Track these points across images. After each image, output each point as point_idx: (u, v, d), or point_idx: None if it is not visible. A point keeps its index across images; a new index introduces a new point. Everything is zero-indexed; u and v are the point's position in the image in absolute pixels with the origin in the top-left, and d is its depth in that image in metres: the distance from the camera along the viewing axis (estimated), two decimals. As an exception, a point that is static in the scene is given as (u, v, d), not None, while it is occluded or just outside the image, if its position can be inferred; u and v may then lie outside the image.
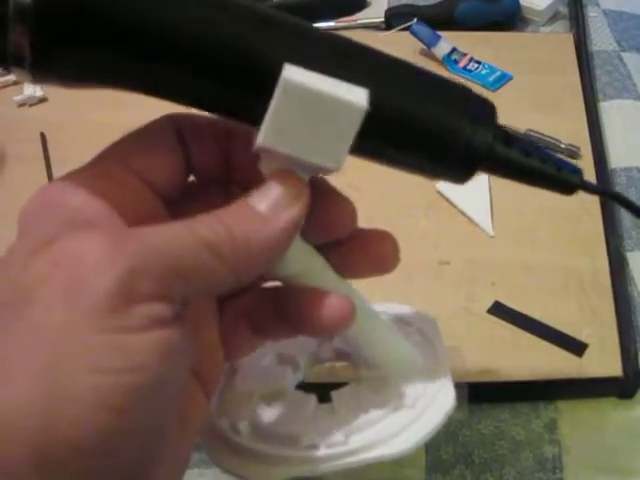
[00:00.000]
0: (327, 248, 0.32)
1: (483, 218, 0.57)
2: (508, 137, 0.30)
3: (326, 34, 0.28)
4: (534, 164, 0.31)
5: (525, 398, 0.49)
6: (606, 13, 0.79)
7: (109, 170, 0.28)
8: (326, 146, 0.27)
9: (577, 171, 0.32)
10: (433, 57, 0.72)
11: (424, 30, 0.72)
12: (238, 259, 0.26)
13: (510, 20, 0.77)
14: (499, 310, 0.52)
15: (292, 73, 0.26)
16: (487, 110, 0.31)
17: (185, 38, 0.25)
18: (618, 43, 0.75)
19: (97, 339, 0.23)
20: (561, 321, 0.51)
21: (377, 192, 0.59)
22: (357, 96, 0.26)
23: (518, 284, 0.54)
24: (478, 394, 0.47)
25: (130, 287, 0.23)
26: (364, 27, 0.80)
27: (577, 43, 0.74)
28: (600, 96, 0.69)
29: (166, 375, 0.24)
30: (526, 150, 0.31)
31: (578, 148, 0.62)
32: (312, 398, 0.34)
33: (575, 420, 0.48)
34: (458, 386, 0.47)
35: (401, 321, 0.37)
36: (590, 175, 0.61)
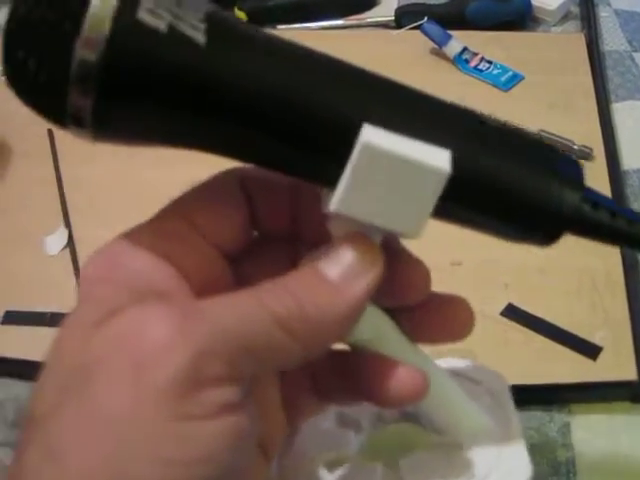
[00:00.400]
0: (399, 312, 0.30)
1: (495, 219, 0.57)
2: (596, 199, 0.28)
3: (403, 87, 0.26)
4: (621, 226, 0.28)
5: (538, 402, 0.48)
6: (618, 13, 0.78)
7: (173, 228, 0.26)
8: (404, 212, 0.25)
9: None
10: (444, 56, 0.72)
11: (435, 29, 0.71)
12: (310, 335, 0.24)
13: (521, 20, 0.77)
14: (512, 313, 0.51)
15: (371, 135, 0.24)
16: (575, 171, 0.28)
17: (261, 100, 0.24)
18: (630, 43, 0.75)
19: (164, 427, 0.21)
20: (574, 323, 0.51)
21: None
22: (440, 160, 0.24)
23: (531, 286, 0.53)
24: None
25: (199, 371, 0.22)
26: (373, 26, 0.79)
27: (589, 43, 0.73)
28: (612, 97, 0.69)
29: (237, 463, 0.23)
30: (613, 211, 0.28)
31: (591, 149, 0.62)
32: (377, 467, 0.32)
33: (589, 424, 0.48)
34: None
35: (469, 380, 0.34)
36: (602, 177, 0.60)
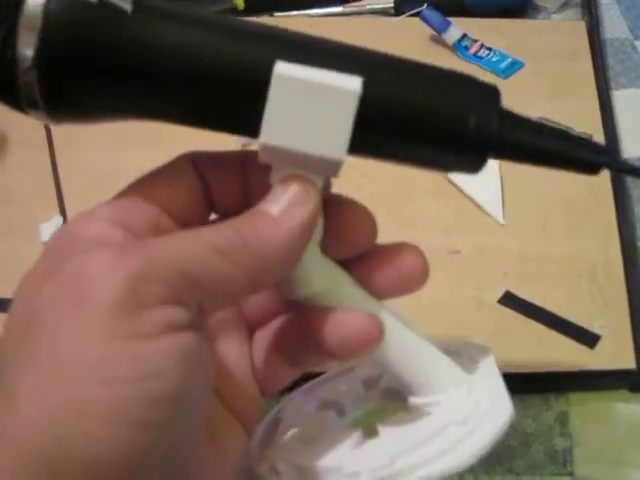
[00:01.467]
0: (351, 266, 0.31)
1: (494, 206, 0.57)
2: (516, 119, 0.29)
3: (313, 36, 0.28)
4: (549, 143, 0.29)
5: (536, 390, 0.48)
6: (619, 0, 0.78)
7: (128, 202, 0.28)
8: (326, 136, 0.27)
9: (602, 149, 0.30)
10: (443, 43, 0.71)
11: (434, 16, 0.71)
12: (252, 262, 0.26)
13: (521, 7, 0.76)
14: (510, 300, 0.51)
15: (284, 68, 0.26)
16: (491, 94, 0.29)
17: (181, 61, 0.26)
18: (631, 31, 0.74)
19: (108, 348, 0.22)
20: (573, 312, 0.50)
21: (387, 179, 0.58)
22: (350, 82, 0.26)
23: (529, 274, 0.53)
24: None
25: (137, 291, 0.23)
26: (372, 13, 0.79)
27: (589, 30, 0.72)
28: (613, 85, 0.68)
29: (185, 383, 0.23)
30: (538, 128, 0.29)
31: (590, 136, 0.61)
32: (356, 432, 0.33)
33: (586, 413, 0.48)
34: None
35: (449, 352, 0.34)
36: (603, 164, 0.60)
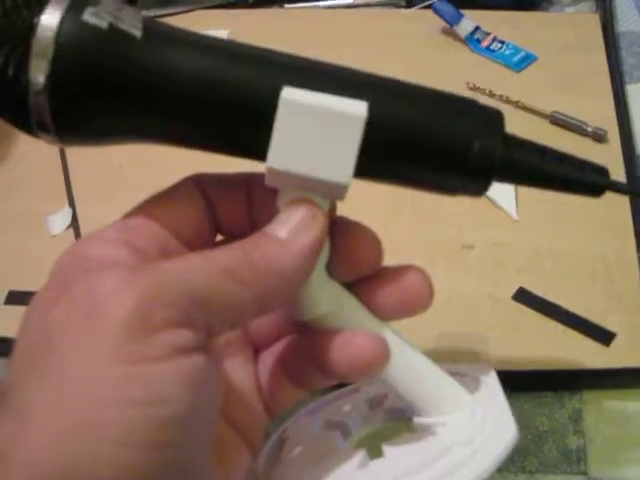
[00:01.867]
0: (357, 289, 0.31)
1: (507, 202, 0.56)
2: (520, 142, 0.30)
3: (319, 62, 0.29)
4: (552, 166, 0.30)
5: (550, 388, 0.48)
6: (632, -6, 0.77)
7: (135, 223, 0.28)
8: (333, 160, 0.27)
9: (603, 171, 0.31)
10: (455, 36, 0.70)
11: (447, 8, 0.70)
12: (260, 283, 0.26)
13: (534, 0, 0.75)
14: (524, 297, 0.51)
15: (291, 93, 0.26)
16: (494, 118, 0.30)
17: (190, 86, 0.27)
18: (645, 24, 0.73)
19: (118, 371, 0.22)
20: (587, 309, 0.50)
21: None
22: (356, 107, 0.27)
23: (543, 270, 0.52)
24: (501, 382, 0.46)
25: (147, 315, 0.23)
26: (383, 5, 0.78)
27: (603, 24, 0.72)
28: (627, 78, 0.67)
29: (194, 406, 0.24)
30: (541, 151, 0.30)
31: (605, 131, 0.60)
32: (362, 452, 0.33)
33: (600, 411, 0.47)
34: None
35: (453, 373, 0.34)
36: (617, 159, 0.59)
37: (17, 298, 0.55)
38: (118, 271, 0.24)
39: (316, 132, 0.27)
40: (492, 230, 0.55)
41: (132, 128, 0.27)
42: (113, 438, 0.22)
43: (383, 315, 0.31)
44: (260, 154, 0.27)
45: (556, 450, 0.46)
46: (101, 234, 0.28)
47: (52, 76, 0.25)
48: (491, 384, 0.35)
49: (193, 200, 0.30)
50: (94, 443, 0.22)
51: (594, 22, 0.72)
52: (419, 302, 0.31)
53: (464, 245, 0.54)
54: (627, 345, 0.48)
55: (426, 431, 0.33)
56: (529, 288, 0.51)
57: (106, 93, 0.26)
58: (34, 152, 0.65)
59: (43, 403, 0.22)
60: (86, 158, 0.63)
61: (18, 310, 0.53)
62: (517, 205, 0.56)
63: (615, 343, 0.48)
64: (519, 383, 0.47)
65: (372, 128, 0.27)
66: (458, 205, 0.57)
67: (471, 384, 0.35)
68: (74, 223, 0.60)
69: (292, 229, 0.27)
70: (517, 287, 0.51)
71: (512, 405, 0.47)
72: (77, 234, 0.59)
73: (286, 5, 0.78)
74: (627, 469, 0.45)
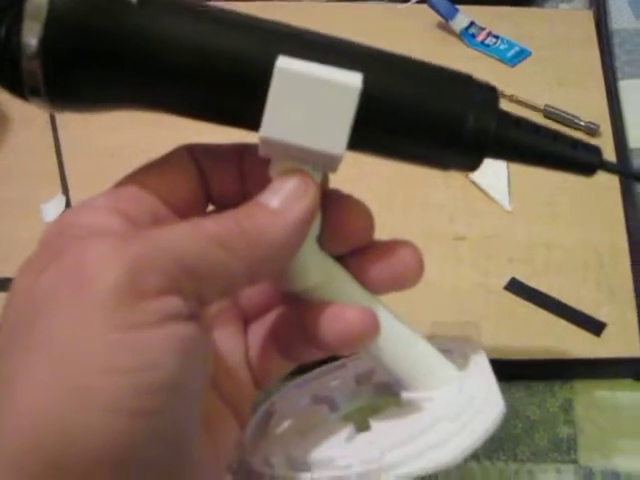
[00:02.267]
0: (348, 262, 0.31)
1: (500, 193, 0.56)
2: (514, 119, 0.30)
3: (316, 32, 0.29)
4: (545, 143, 0.30)
5: (541, 377, 0.48)
6: (626, -9, 0.77)
7: (127, 192, 0.28)
8: (326, 131, 0.27)
9: (595, 150, 0.31)
10: (450, 31, 0.71)
11: (442, 3, 0.70)
12: (251, 252, 0.26)
13: (529, -5, 0.76)
14: (516, 287, 0.51)
15: (286, 62, 0.26)
16: (489, 94, 0.30)
17: (185, 54, 0.26)
18: (638, 21, 0.74)
19: (107, 338, 0.22)
20: (579, 299, 0.50)
21: (393, 165, 0.57)
22: (351, 78, 0.27)
23: (535, 261, 0.53)
24: (494, 372, 0.46)
25: (136, 282, 0.23)
26: (379, -1, 0.78)
27: (597, 20, 0.72)
28: (619, 75, 0.68)
29: (183, 374, 0.24)
30: (535, 129, 0.30)
31: (597, 126, 0.61)
32: (349, 425, 0.33)
33: (591, 401, 0.47)
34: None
35: (442, 349, 0.35)
36: (610, 154, 0.59)
37: (9, 285, 0.55)
38: (108, 238, 0.24)
39: (310, 102, 0.26)
40: (484, 221, 0.55)
41: (125, 94, 0.27)
42: (102, 404, 0.22)
43: (373, 288, 0.31)
44: (253, 123, 0.27)
45: (547, 439, 0.46)
46: (91, 202, 0.27)
47: (45, 39, 0.25)
48: (479, 361, 0.35)
49: (185, 169, 0.30)
50: (83, 410, 0.21)
51: (588, 18, 0.72)
52: (409, 276, 0.31)
53: (456, 236, 0.54)
54: (618, 335, 0.48)
55: (413, 405, 0.33)
56: (521, 278, 0.51)
57: (99, 58, 0.26)
58: (28, 140, 0.65)
59: (31, 371, 0.22)
60: (80, 146, 0.63)
61: (10, 296, 0.53)
62: (510, 196, 0.56)
63: (606, 333, 0.48)
64: (511, 372, 0.48)
65: (366, 99, 0.27)
66: (450, 196, 0.57)
67: (459, 360, 0.35)
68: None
69: (284, 199, 0.27)
70: (509, 277, 0.51)
71: (503, 394, 0.47)
72: (70, 222, 0.58)
73: (281, -1, 0.78)
74: (617, 458, 0.45)
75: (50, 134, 0.65)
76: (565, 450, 0.45)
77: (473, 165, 0.30)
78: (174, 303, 0.24)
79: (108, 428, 0.22)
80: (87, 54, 0.25)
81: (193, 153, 0.30)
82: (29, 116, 0.66)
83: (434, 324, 0.48)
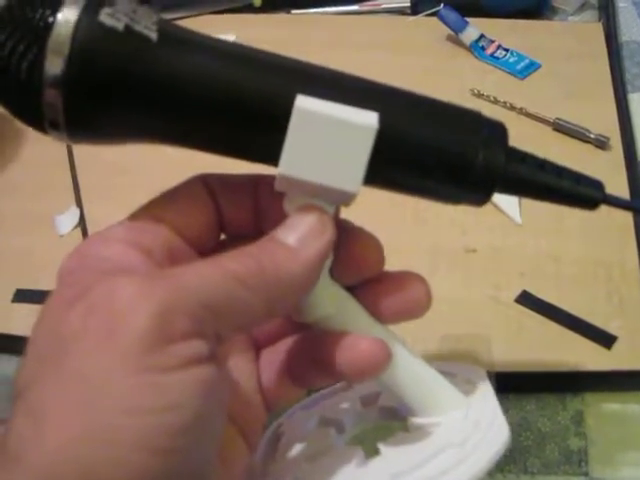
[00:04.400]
0: (358, 292, 0.32)
1: (511, 206, 0.56)
2: (521, 155, 0.30)
3: (332, 70, 0.29)
4: (550, 179, 0.31)
5: (552, 389, 0.48)
6: (635, 4, 0.77)
7: (143, 224, 0.29)
8: (343, 169, 0.27)
9: (598, 185, 0.32)
10: (460, 43, 0.71)
11: (452, 15, 0.71)
12: (269, 290, 0.26)
13: (538, 9, 0.76)
14: (527, 300, 0.51)
15: (305, 102, 0.27)
16: (498, 131, 0.30)
17: (205, 91, 0.27)
18: (648, 34, 0.74)
19: (134, 380, 0.23)
20: (589, 312, 0.50)
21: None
22: (368, 118, 0.27)
23: (546, 274, 0.53)
24: (504, 384, 0.46)
25: (164, 326, 0.23)
26: (389, 12, 0.79)
27: (606, 33, 0.72)
28: (629, 87, 0.68)
29: (205, 413, 0.24)
30: (541, 165, 0.31)
31: (607, 138, 0.61)
32: (358, 450, 0.33)
33: (602, 413, 0.47)
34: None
35: (445, 374, 0.35)
36: (619, 166, 0.60)
37: (24, 296, 0.56)
38: (134, 278, 0.24)
39: (328, 140, 0.27)
40: (495, 234, 0.56)
41: (143, 129, 0.28)
42: (128, 442, 0.22)
43: (382, 318, 0.32)
44: (269, 159, 0.28)
45: (558, 451, 0.46)
46: (109, 234, 0.28)
47: (67, 74, 0.25)
48: (483, 386, 0.35)
49: (200, 201, 0.30)
50: (110, 447, 0.22)
51: (597, 31, 0.73)
52: (418, 308, 0.32)
53: (467, 249, 0.55)
54: (628, 348, 0.48)
55: (421, 431, 0.33)
56: (532, 291, 0.52)
57: (119, 94, 0.26)
58: (42, 153, 0.66)
59: (60, 406, 0.23)
60: (93, 160, 0.64)
61: (25, 308, 0.54)
62: (520, 209, 0.57)
63: (616, 346, 0.49)
64: (522, 385, 0.48)
65: (381, 138, 0.27)
66: (462, 210, 0.57)
67: (463, 385, 0.35)
68: (81, 223, 0.60)
69: (301, 236, 0.28)
70: (520, 290, 0.52)
71: (514, 406, 0.48)
72: (84, 234, 0.59)
73: (292, 11, 0.79)
74: (628, 471, 0.45)
75: (63, 148, 0.65)
76: (576, 462, 0.45)
77: (483, 200, 0.31)
78: (198, 346, 0.24)
79: (132, 465, 0.22)
80: (107, 90, 0.26)
81: (207, 183, 0.31)
82: (43, 129, 0.66)
83: (445, 337, 0.49)
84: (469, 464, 0.31)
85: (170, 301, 0.24)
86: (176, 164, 0.56)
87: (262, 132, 0.28)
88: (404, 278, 0.32)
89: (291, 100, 0.27)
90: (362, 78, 0.30)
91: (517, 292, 0.52)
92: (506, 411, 0.47)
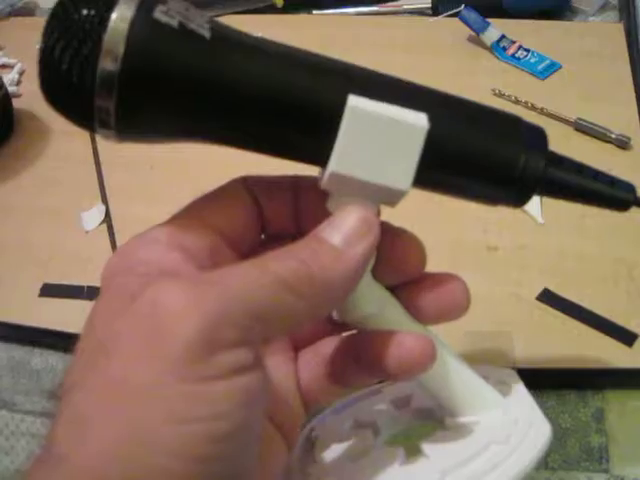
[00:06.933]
0: (398, 292, 0.32)
1: (532, 205, 0.57)
2: (559, 159, 0.31)
3: (377, 72, 0.29)
4: (587, 182, 0.32)
5: (573, 386, 0.49)
6: (656, 4, 0.78)
7: (185, 225, 0.28)
8: (394, 168, 0.28)
9: (631, 188, 0.33)
10: (481, 44, 0.71)
11: (473, 16, 0.71)
12: (315, 295, 0.26)
13: (559, 9, 0.76)
14: (548, 297, 0.51)
15: (357, 101, 0.27)
16: (539, 136, 0.31)
17: (260, 93, 0.27)
18: (668, 34, 0.74)
19: (179, 389, 0.23)
20: (610, 310, 0.51)
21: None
22: (418, 118, 0.28)
23: (567, 272, 0.53)
24: (525, 380, 0.47)
25: (212, 336, 0.23)
26: (410, 12, 0.79)
27: (627, 33, 0.72)
28: (650, 88, 0.68)
29: (248, 421, 0.24)
30: (578, 168, 0.32)
31: (629, 138, 0.61)
32: (400, 450, 0.33)
33: (623, 410, 0.48)
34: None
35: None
36: (640, 166, 0.60)
37: (50, 290, 0.57)
38: (179, 285, 0.24)
39: (379, 140, 0.27)
40: (517, 232, 0.56)
41: (193, 129, 0.27)
42: (170, 450, 0.22)
43: (422, 319, 0.32)
44: (316, 159, 0.28)
45: (579, 448, 0.46)
46: (151, 235, 0.28)
47: (122, 72, 0.24)
48: (517, 386, 0.36)
49: (242, 202, 0.30)
50: (150, 454, 0.22)
51: (618, 31, 0.73)
52: (457, 310, 0.32)
53: (489, 247, 0.55)
54: (649, 346, 0.49)
55: (461, 430, 0.33)
56: (553, 289, 0.52)
57: (173, 93, 0.26)
58: (69, 150, 0.67)
59: (104, 411, 0.23)
60: (118, 157, 0.65)
61: (51, 302, 0.55)
62: (542, 208, 0.57)
63: (637, 344, 0.49)
64: (543, 381, 0.48)
65: (429, 139, 0.28)
66: (483, 208, 0.57)
67: (497, 385, 0.36)
68: (107, 220, 0.61)
69: (347, 237, 0.27)
70: (542, 288, 0.52)
71: (536, 403, 0.48)
72: (110, 230, 0.60)
73: (314, 11, 0.80)
74: (648, 468, 0.45)
75: (89, 145, 0.66)
76: (597, 459, 0.46)
77: (521, 203, 0.31)
78: (244, 355, 0.24)
79: (171, 472, 0.23)
80: (161, 89, 0.25)
81: (249, 185, 0.31)
82: (69, 127, 0.67)
83: (467, 334, 0.49)
84: (514, 460, 0.31)
85: (218, 311, 0.24)
86: (200, 161, 0.57)
87: (313, 132, 0.28)
88: (445, 279, 0.32)
89: (343, 100, 0.27)
90: (406, 80, 0.30)
91: (538, 290, 0.52)
92: (527, 407, 0.47)
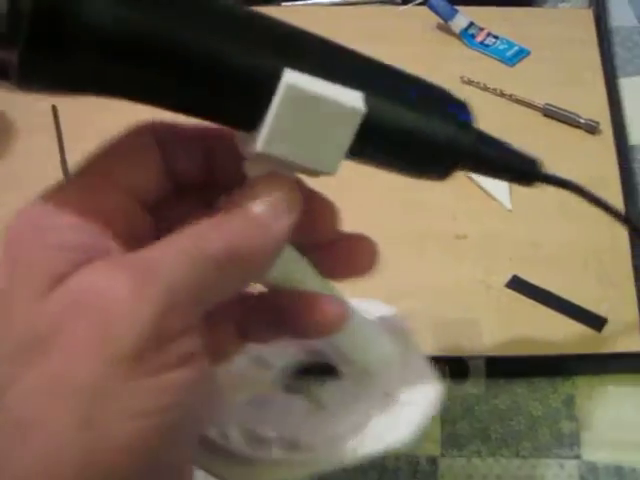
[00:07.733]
0: (308, 250, 0.32)
1: (501, 192, 0.57)
2: (480, 133, 0.32)
3: (317, 37, 0.28)
4: (505, 156, 0.33)
5: (543, 373, 0.48)
6: (625, -11, 0.78)
7: (92, 185, 0.27)
8: (323, 150, 0.27)
9: (536, 162, 0.34)
10: (450, 31, 0.71)
11: (441, 4, 0.71)
12: (246, 270, 0.26)
13: (529, -4, 0.76)
14: (517, 284, 0.51)
15: (294, 78, 0.25)
16: (467, 111, 0.31)
17: (179, 51, 0.24)
18: (638, 19, 0.74)
19: (134, 385, 0.22)
20: (580, 296, 0.51)
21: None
22: (355, 100, 0.26)
23: (536, 259, 0.53)
24: (495, 368, 0.47)
25: (161, 330, 0.23)
26: (379, 2, 0.78)
27: (596, 19, 0.72)
28: (620, 73, 0.68)
29: (199, 406, 0.24)
30: (496, 143, 0.32)
31: (597, 123, 0.61)
32: (300, 399, 0.34)
33: (593, 396, 0.48)
34: (475, 360, 0.47)
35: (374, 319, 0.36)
36: (609, 151, 0.60)
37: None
38: (119, 270, 0.23)
39: (313, 120, 0.26)
40: (485, 220, 0.56)
41: (107, 83, 0.24)
42: (121, 447, 0.22)
43: (328, 276, 0.32)
44: (239, 125, 0.27)
45: (550, 435, 0.46)
46: (59, 199, 0.25)
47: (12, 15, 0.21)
48: (412, 341, 0.37)
49: (153, 156, 0.28)
50: (102, 452, 0.22)
51: (587, 17, 0.73)
52: (362, 270, 0.32)
53: (457, 235, 0.55)
54: (618, 331, 0.49)
55: (357, 381, 0.34)
56: (522, 276, 0.52)
57: (92, 47, 0.23)
58: (33, 148, 0.66)
59: (45, 413, 0.22)
60: (84, 152, 0.64)
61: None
62: (510, 195, 0.57)
63: (607, 329, 0.49)
64: (513, 369, 0.48)
65: (364, 119, 0.27)
66: (452, 196, 0.57)
67: (392, 335, 0.36)
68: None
69: (275, 210, 0.27)
70: (511, 275, 0.52)
71: (505, 391, 0.48)
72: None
73: (283, 3, 0.79)
74: (620, 453, 0.45)
75: (55, 140, 0.65)
76: (568, 445, 0.46)
77: (443, 177, 0.32)
78: (191, 342, 0.24)
79: (121, 467, 0.22)
80: (77, 40, 0.22)
81: (156, 131, 0.29)
82: (33, 123, 0.66)
83: (436, 322, 0.49)
84: (411, 416, 0.33)
85: (164, 301, 0.23)
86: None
87: (241, 101, 0.26)
88: (352, 239, 0.32)
89: (277, 73, 0.25)
90: (347, 48, 0.29)
91: (507, 277, 0.52)
92: (497, 395, 0.47)
